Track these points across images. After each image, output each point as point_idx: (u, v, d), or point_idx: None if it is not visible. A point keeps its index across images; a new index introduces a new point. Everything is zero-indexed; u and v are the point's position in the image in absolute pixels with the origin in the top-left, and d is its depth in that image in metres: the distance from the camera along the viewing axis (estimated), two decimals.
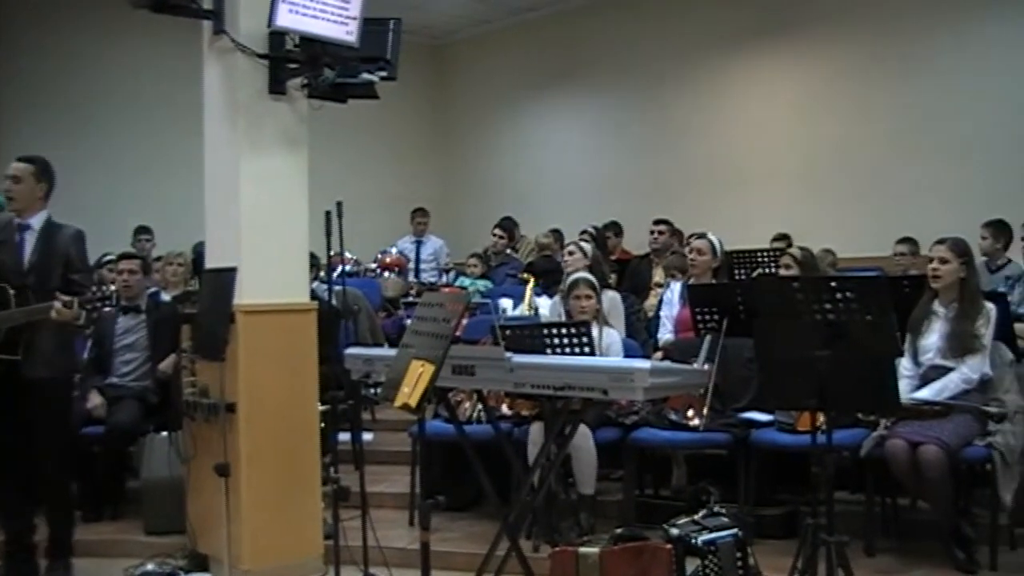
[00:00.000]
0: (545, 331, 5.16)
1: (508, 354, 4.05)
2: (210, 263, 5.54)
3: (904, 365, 5.28)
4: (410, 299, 9.22)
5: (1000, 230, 7.50)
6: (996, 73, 8.56)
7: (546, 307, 7.23)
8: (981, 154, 8.55)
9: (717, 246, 6.66)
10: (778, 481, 5.76)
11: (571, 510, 5.63)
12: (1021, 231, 7.45)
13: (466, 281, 9.49)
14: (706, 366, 4.85)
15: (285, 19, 5.07)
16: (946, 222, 6.73)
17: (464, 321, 6.46)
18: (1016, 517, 5.13)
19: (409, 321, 4.18)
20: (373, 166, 12.49)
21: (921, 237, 7.64)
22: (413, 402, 3.55)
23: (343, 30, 5.21)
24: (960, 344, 5.19)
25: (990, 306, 5.28)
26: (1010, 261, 7.41)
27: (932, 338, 5.28)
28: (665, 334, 6.78)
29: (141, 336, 6.82)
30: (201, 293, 5.91)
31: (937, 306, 5.33)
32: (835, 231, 8.77)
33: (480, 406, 5.76)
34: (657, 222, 9.30)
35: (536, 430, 5.56)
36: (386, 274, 10.06)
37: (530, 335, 5.04)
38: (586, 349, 5.10)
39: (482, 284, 9.30)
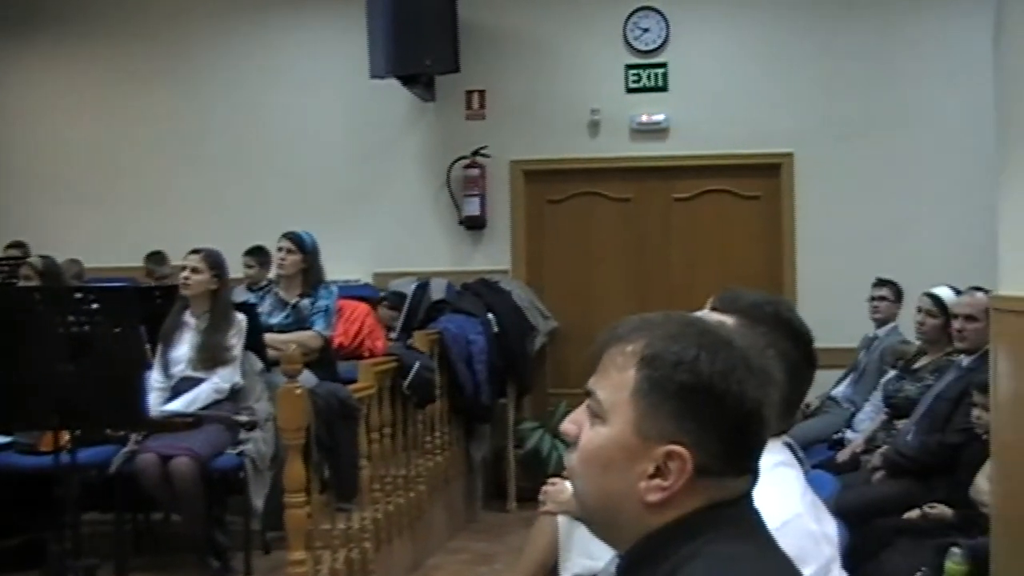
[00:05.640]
0: None
1: None
2: None
3: (155, 377, 5.35)
4: None
5: (264, 256, 7.60)
6: (298, 87, 8.82)
7: None
8: (259, 168, 8.79)
9: None
10: (19, 508, 5.51)
11: None
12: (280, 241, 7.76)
13: None
14: None
15: None
16: (215, 234, 6.89)
17: None
18: (268, 522, 5.39)
19: None
20: None
21: (173, 250, 7.65)
22: None
23: None
24: (211, 355, 5.36)
25: (241, 317, 5.54)
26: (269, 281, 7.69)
27: (183, 349, 5.41)
28: None
29: None
30: None
31: (188, 317, 5.47)
32: (86, 239, 8.57)
33: None
34: None
35: None
36: None
37: None
38: None
39: None
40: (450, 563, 6.50)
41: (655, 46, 8.30)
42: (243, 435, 5.32)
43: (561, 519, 3.86)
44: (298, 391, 4.45)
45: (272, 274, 6.75)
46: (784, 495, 1.99)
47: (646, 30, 8.29)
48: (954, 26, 7.85)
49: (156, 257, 8.27)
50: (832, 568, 2.00)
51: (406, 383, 6.14)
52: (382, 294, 7.88)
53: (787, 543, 1.58)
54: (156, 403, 5.19)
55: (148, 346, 5.12)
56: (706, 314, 2.11)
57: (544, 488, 3.97)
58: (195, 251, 5.55)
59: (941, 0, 7.98)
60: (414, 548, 6.29)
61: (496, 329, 7.59)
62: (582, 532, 3.64)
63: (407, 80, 8.04)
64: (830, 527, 2.08)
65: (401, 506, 6.03)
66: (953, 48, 7.83)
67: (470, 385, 7.17)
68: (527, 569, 4.07)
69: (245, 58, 8.90)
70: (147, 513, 5.73)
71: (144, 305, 5.19)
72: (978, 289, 5.31)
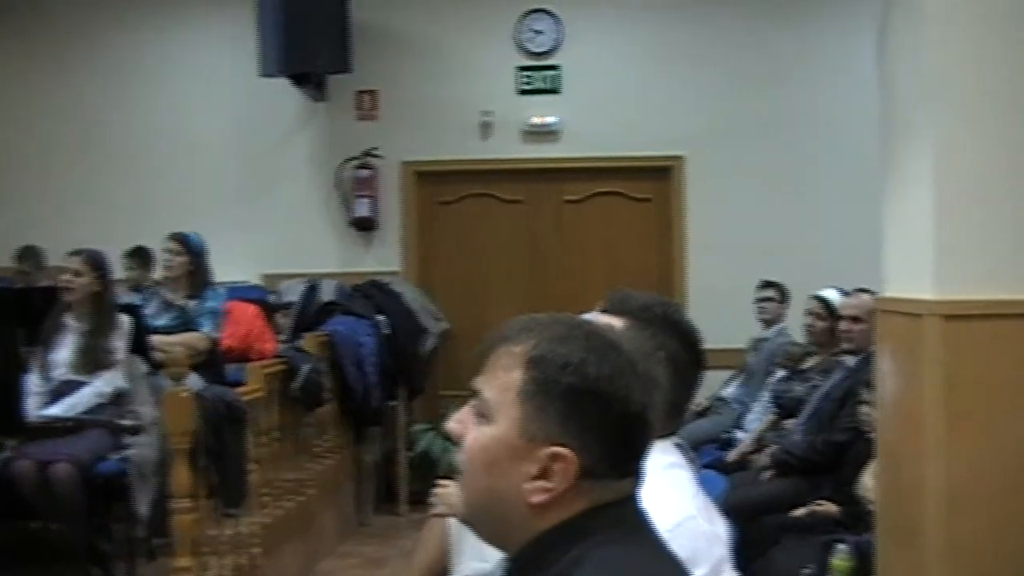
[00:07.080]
0: None
1: None
2: None
3: (33, 381, 5.20)
4: None
5: (145, 257, 7.42)
6: (185, 84, 8.61)
7: None
8: (145, 165, 8.56)
9: None
10: None
11: None
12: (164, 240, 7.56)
13: None
14: None
15: None
16: (97, 233, 6.74)
17: None
18: (153, 528, 5.27)
19: None
20: None
21: (53, 250, 7.41)
22: None
23: None
24: (93, 359, 5.25)
25: (125, 319, 5.42)
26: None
27: (64, 352, 5.27)
28: None
29: None
30: None
31: (70, 319, 5.33)
32: None
33: None
34: None
35: None
36: None
37: None
38: None
39: None
40: (341, 568, 6.45)
41: (547, 48, 8.33)
42: (127, 440, 5.21)
43: (452, 521, 3.81)
44: (184, 394, 4.38)
45: (157, 275, 6.61)
46: (677, 496, 2.00)
47: (539, 32, 8.31)
48: (842, 29, 7.99)
49: (28, 251, 7.86)
50: (723, 568, 2.02)
51: (295, 386, 6.07)
52: (272, 299, 7.75)
53: (680, 544, 1.58)
54: (35, 407, 5.06)
55: (26, 348, 4.98)
56: (595, 316, 2.11)
57: (435, 490, 3.94)
58: (76, 252, 5.42)
59: (829, 4, 8.14)
60: (304, 553, 6.22)
61: (387, 331, 7.54)
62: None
63: (297, 79, 7.96)
64: (721, 527, 2.10)
65: (290, 510, 5.96)
66: (841, 52, 7.99)
67: (360, 387, 7.10)
68: (418, 572, 4.03)
69: (131, 52, 8.68)
70: (25, 521, 5.55)
71: (25, 306, 5.06)
72: (864, 291, 5.41)
